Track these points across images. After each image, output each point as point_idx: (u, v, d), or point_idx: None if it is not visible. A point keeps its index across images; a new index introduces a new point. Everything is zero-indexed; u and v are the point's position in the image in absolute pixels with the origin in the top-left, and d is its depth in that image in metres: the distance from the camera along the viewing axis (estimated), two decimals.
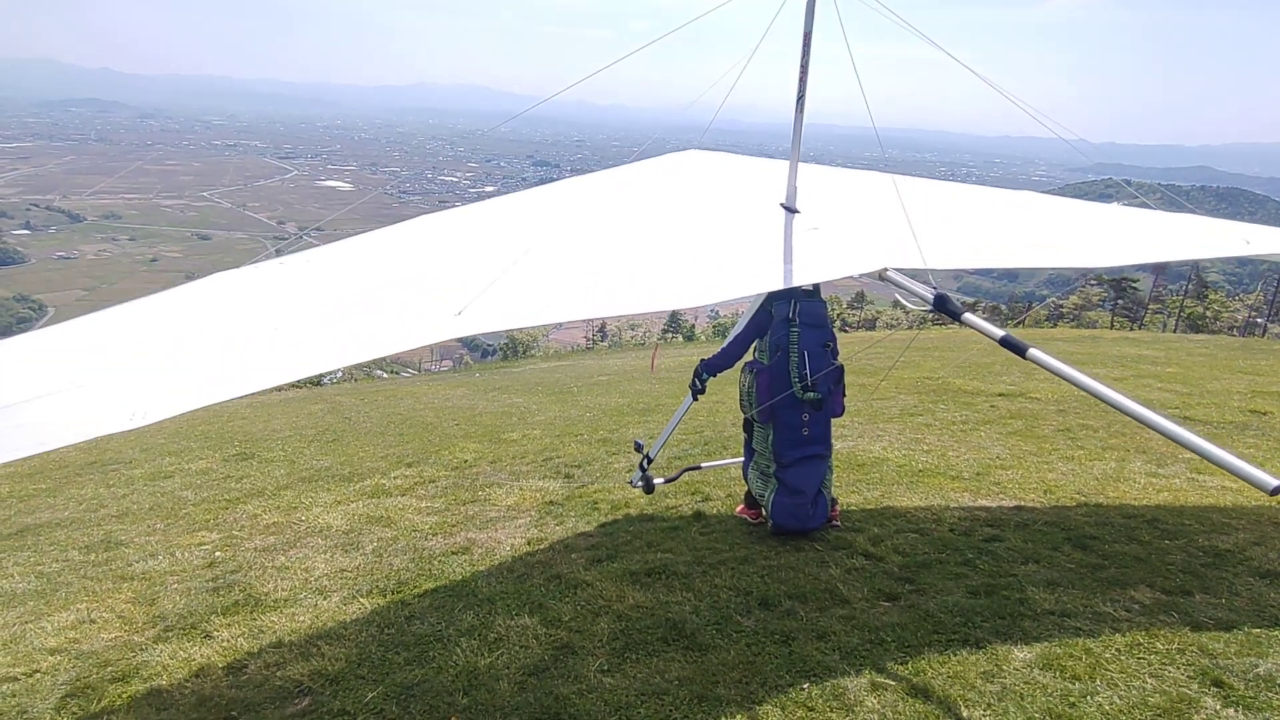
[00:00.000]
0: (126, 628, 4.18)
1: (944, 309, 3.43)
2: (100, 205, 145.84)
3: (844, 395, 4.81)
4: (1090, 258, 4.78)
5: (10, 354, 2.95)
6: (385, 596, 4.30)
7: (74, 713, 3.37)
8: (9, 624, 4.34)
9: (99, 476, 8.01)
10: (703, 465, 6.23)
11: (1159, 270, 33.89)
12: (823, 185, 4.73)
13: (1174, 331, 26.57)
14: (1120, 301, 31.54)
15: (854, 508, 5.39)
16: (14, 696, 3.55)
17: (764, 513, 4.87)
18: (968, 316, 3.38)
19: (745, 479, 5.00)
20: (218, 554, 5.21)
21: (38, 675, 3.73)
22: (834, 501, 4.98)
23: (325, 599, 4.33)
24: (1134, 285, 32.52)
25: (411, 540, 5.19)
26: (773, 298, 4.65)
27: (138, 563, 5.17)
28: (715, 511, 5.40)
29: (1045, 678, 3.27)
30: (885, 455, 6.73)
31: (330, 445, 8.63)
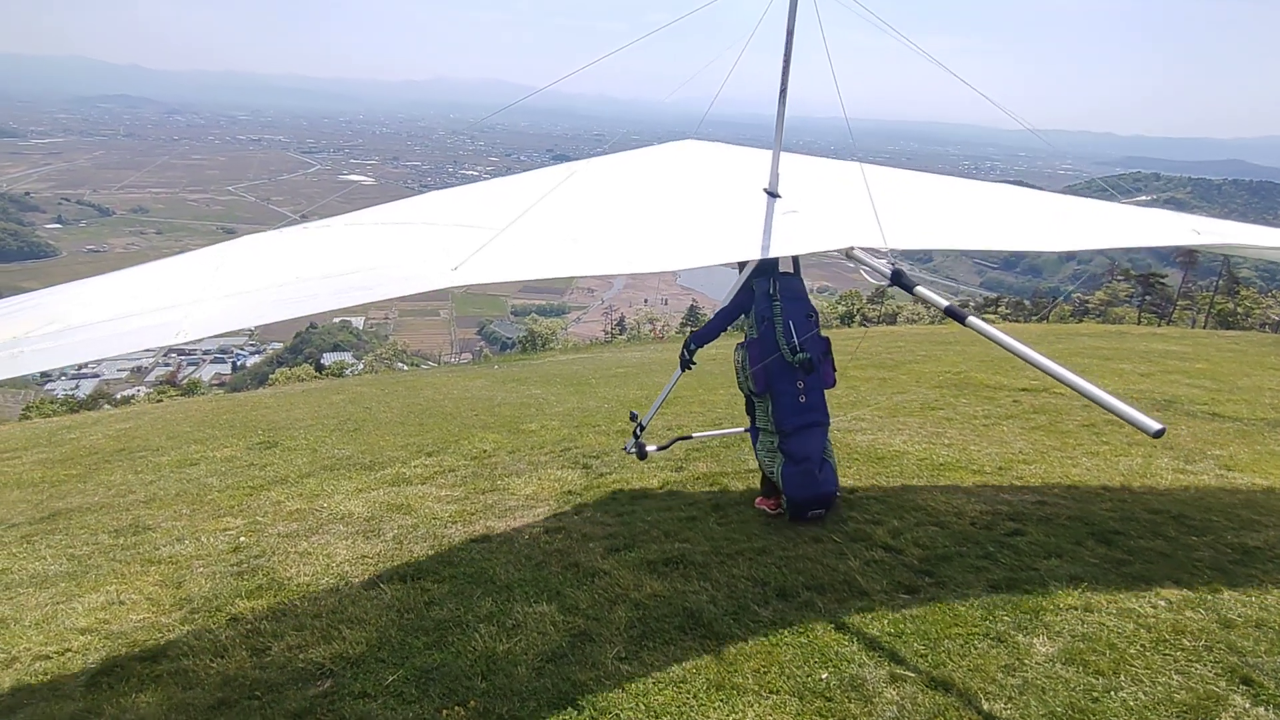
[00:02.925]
0: (154, 609, 4.26)
1: (899, 282, 3.82)
2: (129, 199, 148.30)
3: (834, 369, 4.99)
4: (1038, 242, 5.16)
5: (72, 292, 3.47)
6: (405, 582, 4.34)
7: (104, 690, 3.44)
8: (42, 604, 4.44)
9: (127, 463, 8.14)
10: (694, 435, 6.48)
11: (1188, 265, 33.23)
12: (807, 174, 5.10)
13: (1204, 328, 26.06)
14: (1148, 297, 30.97)
15: (873, 500, 5.35)
16: (47, 674, 3.63)
17: (778, 488, 4.96)
18: (920, 289, 3.76)
19: (759, 463, 5.09)
20: (242, 539, 5.29)
21: (69, 654, 3.81)
22: None
23: (346, 584, 4.38)
24: (1162, 281, 31.91)
25: (431, 528, 5.23)
26: (754, 275, 4.90)
27: (165, 547, 5.25)
28: (733, 502, 5.38)
29: (1068, 672, 3.24)
30: (906, 449, 6.67)
31: (352, 434, 8.71)
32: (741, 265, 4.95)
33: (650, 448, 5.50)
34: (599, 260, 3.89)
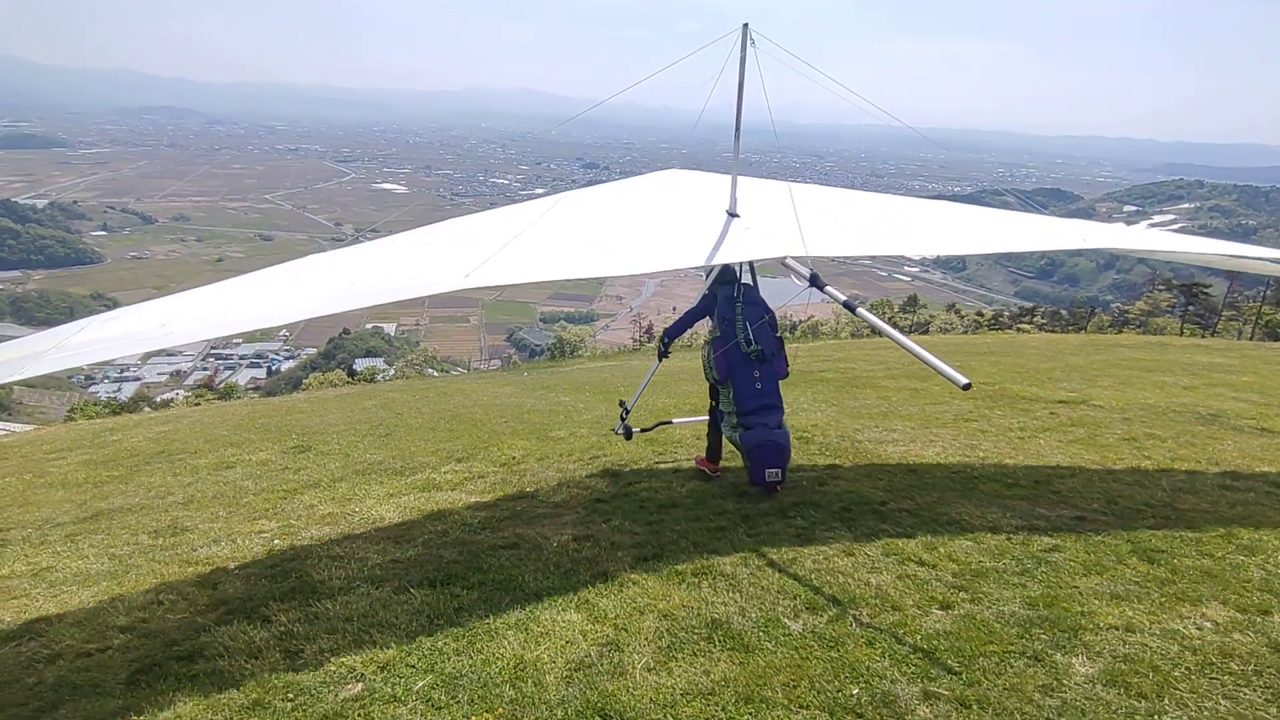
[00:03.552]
0: (191, 609, 4.34)
1: (815, 283, 4.82)
2: (171, 208, 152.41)
3: (786, 362, 5.80)
4: (934, 247, 6.38)
5: (189, 296, 4.59)
6: (435, 588, 4.37)
7: (143, 689, 3.51)
8: (84, 602, 4.55)
9: (166, 465, 8.34)
10: (674, 421, 7.33)
11: (1234, 275, 32.24)
12: (765, 196, 6.11)
13: (1250, 339, 25.29)
14: (1191, 308, 30.13)
15: (905, 514, 5.28)
16: (88, 671, 3.71)
17: (721, 454, 6.17)
18: (828, 289, 4.79)
19: (725, 436, 5.91)
20: (276, 542, 5.37)
21: (110, 652, 3.90)
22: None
23: (378, 588, 4.42)
24: (1206, 291, 31.00)
25: (461, 534, 5.26)
26: (719, 284, 5.84)
27: (202, 548, 5.36)
28: (763, 514, 5.34)
29: (1109, 694, 3.15)
30: (939, 460, 6.57)
31: (383, 440, 8.82)
32: (707, 275, 5.88)
33: (636, 430, 6.55)
34: (586, 266, 4.96)
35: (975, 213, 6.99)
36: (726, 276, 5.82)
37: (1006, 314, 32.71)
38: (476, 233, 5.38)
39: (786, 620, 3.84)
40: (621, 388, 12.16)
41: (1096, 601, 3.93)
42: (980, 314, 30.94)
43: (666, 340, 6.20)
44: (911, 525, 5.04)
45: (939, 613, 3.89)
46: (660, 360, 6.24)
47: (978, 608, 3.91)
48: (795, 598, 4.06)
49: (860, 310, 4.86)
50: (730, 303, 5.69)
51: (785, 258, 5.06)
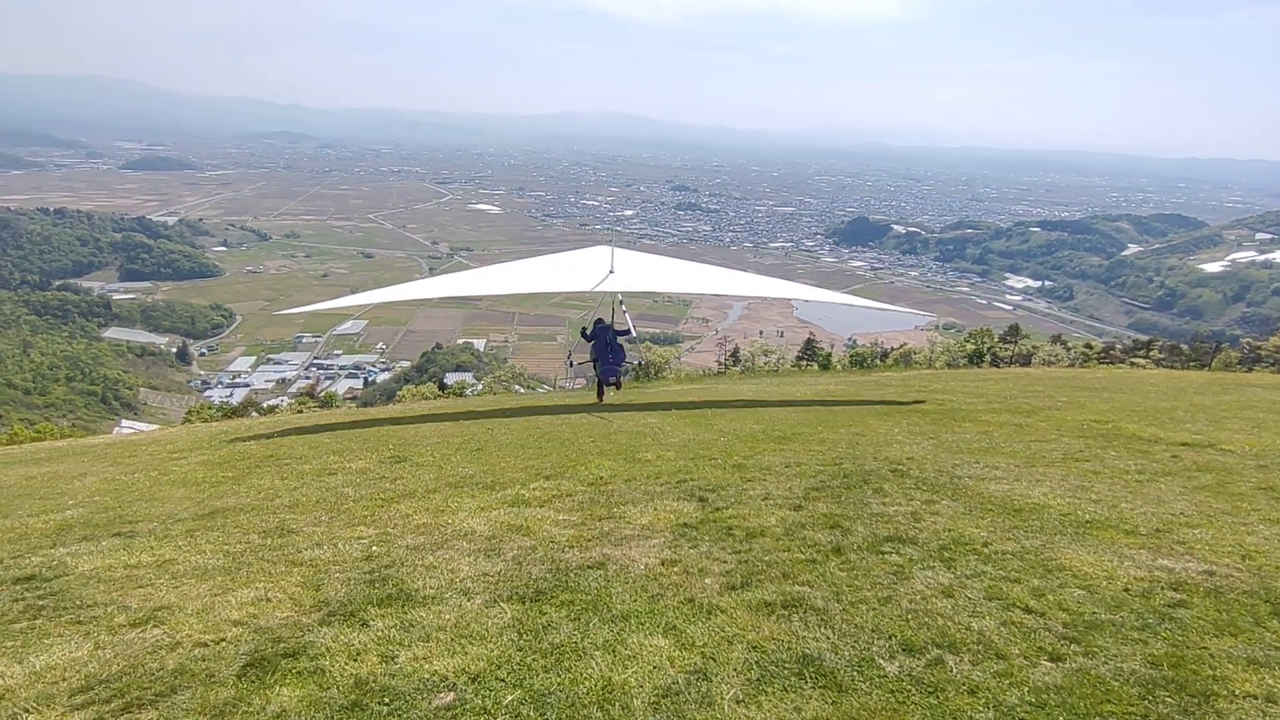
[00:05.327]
0: (296, 609, 4.55)
1: (626, 322, 13.78)
2: (283, 225, 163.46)
3: (624, 355, 13.62)
4: (710, 287, 17.90)
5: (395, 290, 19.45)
6: (524, 603, 4.43)
7: (252, 681, 3.69)
8: (201, 595, 4.85)
9: (275, 469, 8.82)
10: (591, 372, 13.94)
11: None
12: (637, 261, 14.55)
13: None
14: None
15: (1010, 555, 5.00)
16: (204, 660, 3.94)
17: (599, 383, 14.24)
18: (628, 315, 13.50)
19: (596, 375, 14.07)
20: (374, 548, 5.57)
21: (223, 643, 4.12)
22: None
23: (469, 600, 4.52)
24: None
25: (549, 551, 5.32)
26: (596, 323, 13.49)
27: (306, 550, 5.61)
28: (855, 547, 5.16)
29: None
30: (1046, 501, 6.19)
31: (474, 454, 9.05)
32: (596, 317, 13.89)
33: (573, 365, 15.71)
34: (525, 285, 15.72)
35: (744, 276, 17.95)
36: (598, 315, 13.35)
37: (1118, 347, 30.66)
38: (492, 279, 16.30)
39: (882, 661, 3.69)
40: (709, 412, 12.10)
41: (1230, 666, 3.60)
42: (1089, 346, 29.08)
43: (583, 333, 13.61)
44: (1017, 569, 4.76)
45: (1048, 664, 3.65)
46: (581, 338, 13.70)
47: (1092, 662, 3.65)
48: (891, 638, 3.90)
49: (633, 335, 13.48)
50: (598, 329, 13.11)
51: (620, 299, 13.16)
